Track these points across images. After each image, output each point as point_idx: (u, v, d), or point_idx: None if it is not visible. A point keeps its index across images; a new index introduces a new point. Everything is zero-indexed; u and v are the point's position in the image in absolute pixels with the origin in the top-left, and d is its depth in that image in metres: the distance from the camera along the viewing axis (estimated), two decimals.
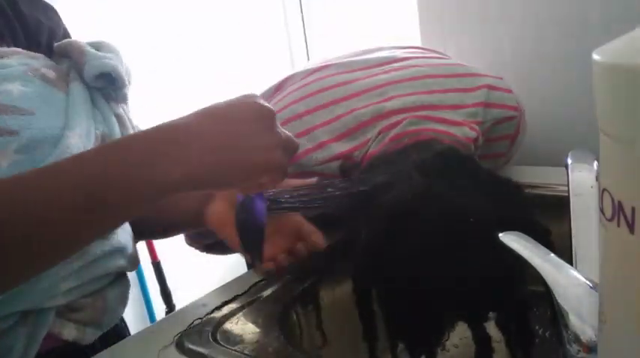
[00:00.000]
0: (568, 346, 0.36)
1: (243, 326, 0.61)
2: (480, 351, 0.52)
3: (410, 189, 0.56)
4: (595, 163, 0.49)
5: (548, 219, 0.51)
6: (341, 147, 0.72)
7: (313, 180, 0.67)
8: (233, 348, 0.56)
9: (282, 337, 0.58)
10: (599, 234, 0.26)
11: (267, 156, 0.49)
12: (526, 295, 0.51)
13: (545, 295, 0.38)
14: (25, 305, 0.54)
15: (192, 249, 0.91)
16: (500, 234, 0.42)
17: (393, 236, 0.53)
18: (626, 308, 0.25)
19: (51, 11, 0.69)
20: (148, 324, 0.68)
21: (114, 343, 0.61)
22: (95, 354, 0.59)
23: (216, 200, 0.67)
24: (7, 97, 0.52)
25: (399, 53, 0.84)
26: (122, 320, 0.71)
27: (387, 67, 0.80)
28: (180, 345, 0.57)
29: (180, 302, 1.63)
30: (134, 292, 1.63)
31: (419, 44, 1.15)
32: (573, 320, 0.36)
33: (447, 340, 0.54)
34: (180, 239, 0.90)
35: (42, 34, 0.65)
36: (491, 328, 0.52)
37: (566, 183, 0.48)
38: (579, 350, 0.36)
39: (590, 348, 0.35)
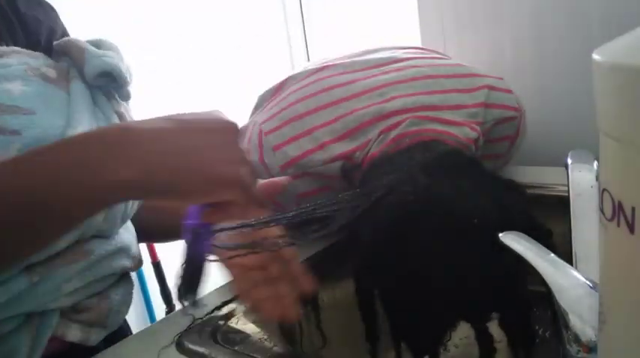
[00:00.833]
0: (568, 346, 0.36)
1: (243, 326, 0.61)
2: (483, 351, 0.52)
3: (413, 190, 0.56)
4: (595, 163, 0.49)
5: (548, 219, 0.51)
6: (342, 148, 0.72)
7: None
8: (233, 348, 0.56)
9: (282, 337, 0.58)
10: (599, 234, 0.26)
11: (231, 169, 0.45)
12: (528, 295, 0.51)
13: (545, 295, 0.38)
14: (28, 307, 0.54)
15: None
16: (500, 234, 0.42)
17: (396, 236, 0.53)
18: (626, 308, 0.25)
19: (49, 9, 0.68)
20: (148, 324, 0.68)
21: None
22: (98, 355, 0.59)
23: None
24: (8, 97, 0.51)
25: (400, 53, 0.84)
26: (124, 320, 0.71)
27: (387, 68, 0.80)
28: (180, 345, 0.57)
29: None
30: (134, 292, 1.63)
31: (419, 44, 1.15)
32: (573, 320, 0.36)
33: (448, 340, 0.54)
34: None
35: (41, 33, 0.65)
36: (492, 328, 0.52)
37: (566, 183, 0.48)
38: (579, 350, 0.36)
39: (590, 348, 0.35)
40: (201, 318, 0.61)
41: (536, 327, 0.60)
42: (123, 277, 0.66)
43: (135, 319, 1.61)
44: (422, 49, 0.92)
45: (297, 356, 0.56)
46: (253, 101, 0.90)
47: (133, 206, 0.63)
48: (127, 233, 0.65)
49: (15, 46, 0.59)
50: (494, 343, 0.52)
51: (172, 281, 1.67)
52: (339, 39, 1.77)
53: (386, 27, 1.69)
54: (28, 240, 0.44)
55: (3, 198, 0.41)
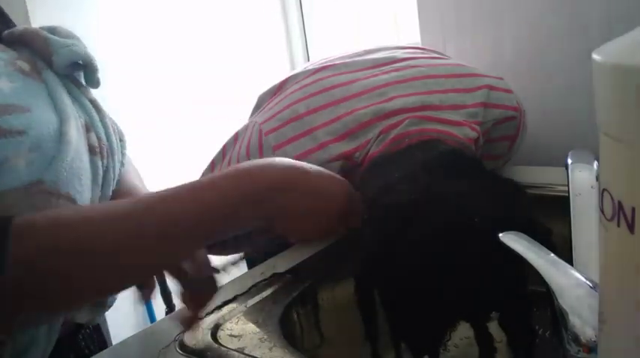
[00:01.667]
0: (568, 346, 0.36)
1: (243, 326, 0.61)
2: (483, 351, 0.52)
3: (413, 190, 0.56)
4: (595, 163, 0.49)
5: (548, 219, 0.51)
6: (342, 148, 0.72)
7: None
8: (233, 348, 0.56)
9: (282, 337, 0.58)
10: (599, 234, 0.26)
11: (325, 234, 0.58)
12: (528, 295, 0.51)
13: (545, 295, 0.38)
14: None
15: None
16: (500, 234, 0.42)
17: (396, 236, 0.53)
18: (626, 308, 0.25)
19: None
20: (148, 324, 0.68)
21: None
22: (91, 337, 0.59)
23: None
24: (1, 95, 0.51)
25: (400, 53, 0.84)
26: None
27: (387, 68, 0.80)
28: (180, 345, 0.57)
29: (180, 302, 1.63)
30: (134, 292, 1.63)
31: (419, 44, 1.15)
32: (573, 320, 0.36)
33: (448, 340, 0.54)
34: None
35: None
36: (492, 328, 0.52)
37: (566, 183, 0.48)
38: (579, 350, 0.36)
39: (590, 348, 0.35)
40: (201, 318, 0.61)
41: (536, 327, 0.60)
42: None
43: (135, 319, 1.61)
44: (422, 49, 0.92)
45: (297, 355, 0.56)
46: (253, 101, 0.90)
47: (113, 187, 0.63)
48: None
49: None
50: (494, 343, 0.52)
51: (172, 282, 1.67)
52: (339, 39, 1.77)
53: (386, 27, 1.69)
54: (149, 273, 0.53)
55: (130, 244, 0.46)
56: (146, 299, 0.64)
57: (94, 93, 0.63)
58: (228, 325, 0.61)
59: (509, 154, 0.85)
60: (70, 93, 0.59)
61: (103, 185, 0.58)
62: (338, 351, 0.69)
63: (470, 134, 0.72)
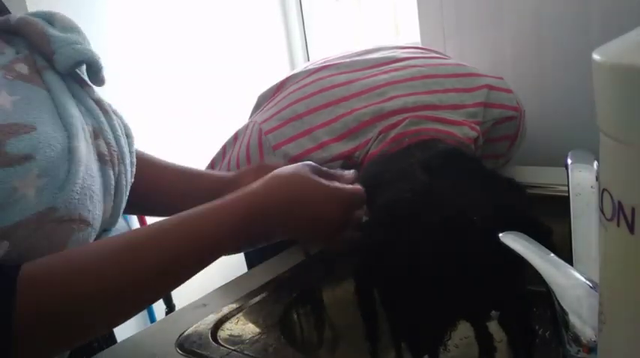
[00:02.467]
0: (568, 346, 0.36)
1: (243, 326, 0.61)
2: (483, 351, 0.52)
3: (411, 188, 0.56)
4: (595, 163, 0.49)
5: (548, 219, 0.51)
6: (342, 148, 0.72)
7: None
8: (233, 348, 0.56)
9: (282, 337, 0.58)
10: (599, 234, 0.26)
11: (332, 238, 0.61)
12: (528, 295, 0.51)
13: (545, 295, 0.38)
14: None
15: None
16: (500, 234, 0.42)
17: (396, 236, 0.53)
18: (626, 308, 0.25)
19: None
20: (148, 324, 0.68)
21: None
22: (104, 337, 0.60)
23: None
24: (2, 114, 0.47)
25: (399, 53, 0.84)
26: None
27: (387, 67, 0.80)
28: (180, 345, 0.57)
29: (180, 302, 1.63)
30: None
31: (419, 44, 1.15)
32: (573, 320, 0.36)
33: (448, 340, 0.54)
34: None
35: None
36: (492, 327, 0.52)
37: (566, 183, 0.48)
38: (579, 350, 0.36)
39: (590, 348, 0.35)
40: (201, 318, 0.61)
41: (536, 327, 0.60)
42: None
43: (135, 319, 1.61)
44: (422, 48, 0.92)
45: (297, 355, 0.56)
46: (253, 101, 0.90)
47: (127, 195, 0.62)
48: (121, 219, 0.64)
49: None
50: (494, 343, 0.52)
51: None
52: (339, 39, 1.77)
53: (385, 27, 1.69)
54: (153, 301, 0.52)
55: (140, 276, 0.47)
56: None
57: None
58: (228, 325, 0.61)
59: (509, 154, 0.85)
60: (74, 95, 0.56)
61: (115, 194, 0.57)
62: (338, 351, 0.69)
63: (469, 134, 0.72)
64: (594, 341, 0.35)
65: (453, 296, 0.51)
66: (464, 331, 0.55)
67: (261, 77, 1.42)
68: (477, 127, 0.74)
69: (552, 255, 0.39)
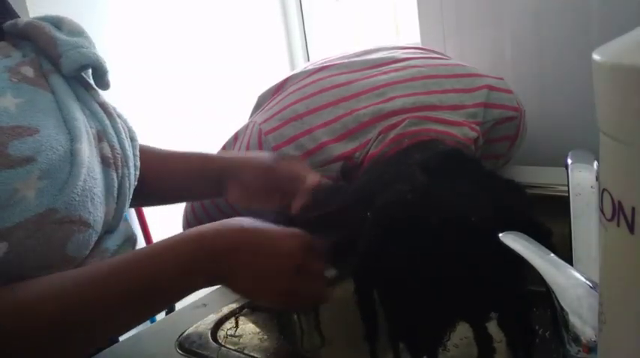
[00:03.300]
0: (568, 346, 0.36)
1: (243, 326, 0.61)
2: (482, 351, 0.52)
3: (410, 189, 0.56)
4: (595, 163, 0.49)
5: (548, 219, 0.51)
6: (341, 148, 0.72)
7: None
8: (233, 348, 0.56)
9: (282, 337, 0.58)
10: (599, 234, 0.26)
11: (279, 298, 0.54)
12: (527, 294, 0.51)
13: (545, 295, 0.38)
14: None
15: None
16: (500, 234, 0.42)
17: (394, 236, 0.53)
18: (626, 308, 0.25)
19: None
20: (148, 324, 0.68)
21: None
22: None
23: (230, 189, 0.69)
24: (7, 115, 0.48)
25: (399, 54, 0.84)
26: None
27: (387, 68, 0.80)
28: (180, 345, 0.57)
29: (180, 302, 1.63)
30: None
31: (419, 44, 1.15)
32: (573, 320, 0.36)
33: (447, 340, 0.54)
34: None
35: None
36: (492, 328, 0.52)
37: (566, 183, 0.48)
38: (579, 350, 0.36)
39: (590, 348, 0.35)
40: (201, 318, 0.61)
41: (536, 327, 0.60)
42: None
43: None
44: (422, 49, 0.92)
45: (297, 355, 0.56)
46: (253, 101, 0.90)
47: (130, 197, 0.62)
48: (124, 221, 0.64)
49: None
50: (494, 343, 0.52)
51: None
52: (339, 39, 1.77)
53: (385, 27, 1.69)
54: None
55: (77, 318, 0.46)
56: None
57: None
58: (228, 325, 0.61)
59: (509, 154, 0.85)
60: (79, 98, 0.56)
61: (119, 196, 0.57)
62: (338, 351, 0.69)
63: (469, 134, 0.72)
64: (594, 341, 0.35)
65: (452, 296, 0.51)
66: (463, 331, 0.55)
67: (261, 77, 1.42)
68: (477, 128, 0.74)
69: (552, 255, 0.39)
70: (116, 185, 0.56)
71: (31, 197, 0.46)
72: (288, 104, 0.77)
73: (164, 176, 0.70)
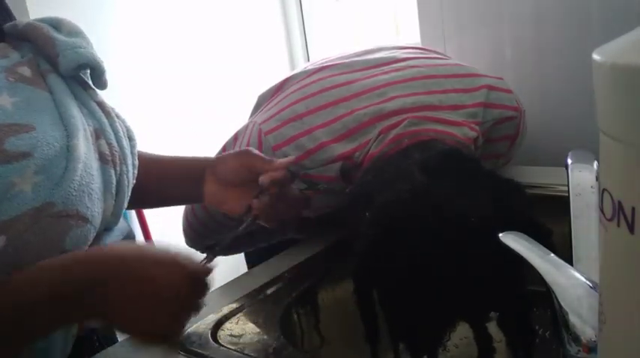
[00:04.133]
0: (568, 346, 0.36)
1: (243, 326, 0.61)
2: (482, 351, 0.52)
3: (410, 189, 0.56)
4: (595, 163, 0.49)
5: (548, 219, 0.51)
6: (341, 148, 0.72)
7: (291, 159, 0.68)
8: (233, 348, 0.56)
9: (282, 337, 0.58)
10: (599, 234, 0.26)
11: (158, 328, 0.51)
12: (527, 294, 0.51)
13: (545, 295, 0.38)
14: None
15: (193, 250, 0.91)
16: (500, 234, 0.42)
17: (394, 236, 0.53)
18: (626, 308, 0.25)
19: None
20: None
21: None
22: (106, 337, 0.60)
23: (207, 179, 0.69)
24: (3, 113, 0.49)
25: (399, 53, 0.84)
26: None
27: (387, 68, 0.80)
28: (180, 345, 0.57)
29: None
30: None
31: (419, 44, 1.15)
32: (573, 320, 0.36)
33: (447, 340, 0.54)
34: (180, 240, 0.90)
35: None
36: (491, 328, 0.52)
37: (566, 183, 0.48)
38: (579, 350, 0.36)
39: (590, 348, 0.35)
40: (201, 318, 0.61)
41: (536, 327, 0.60)
42: None
43: None
44: (422, 49, 0.92)
45: (297, 355, 0.56)
46: (253, 101, 0.90)
47: (129, 195, 0.62)
48: (122, 218, 0.64)
49: None
50: (494, 343, 0.52)
51: None
52: (339, 39, 1.77)
53: (385, 27, 1.69)
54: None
55: None
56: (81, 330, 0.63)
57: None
58: (228, 325, 0.61)
59: (509, 154, 0.85)
60: (77, 97, 0.57)
61: (117, 193, 0.57)
62: (338, 351, 0.69)
63: (469, 134, 0.72)
64: (594, 341, 0.35)
65: (451, 296, 0.51)
66: (464, 331, 0.55)
67: (261, 77, 1.42)
68: (477, 128, 0.74)
69: (552, 255, 0.39)
70: (114, 182, 0.56)
71: (27, 191, 0.47)
72: (288, 104, 0.77)
73: (153, 179, 0.70)
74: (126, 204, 0.61)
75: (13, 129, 0.48)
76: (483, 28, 1.07)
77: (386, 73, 0.79)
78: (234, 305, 0.64)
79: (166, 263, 0.50)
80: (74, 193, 0.50)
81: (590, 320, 0.35)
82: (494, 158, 0.83)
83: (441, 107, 0.74)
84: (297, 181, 0.68)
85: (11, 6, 0.64)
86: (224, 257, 0.97)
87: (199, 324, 0.61)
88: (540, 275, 0.38)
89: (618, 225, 0.24)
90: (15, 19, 0.62)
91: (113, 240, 0.60)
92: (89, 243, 0.54)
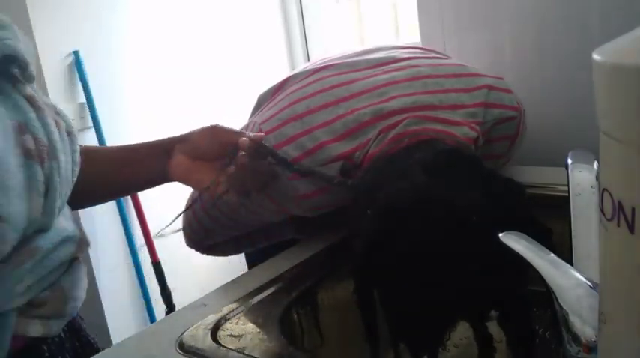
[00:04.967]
0: (568, 346, 0.36)
1: (243, 326, 0.61)
2: (482, 350, 0.52)
3: (410, 188, 0.56)
4: (595, 163, 0.49)
5: (548, 219, 0.51)
6: (341, 148, 0.72)
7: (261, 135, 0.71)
8: (233, 348, 0.56)
9: (282, 337, 0.58)
10: (599, 234, 0.26)
11: None
12: (527, 294, 0.51)
13: (545, 295, 0.38)
14: None
15: (192, 250, 0.91)
16: (500, 234, 0.42)
17: (395, 236, 0.53)
18: (626, 308, 0.25)
19: None
20: (148, 324, 0.68)
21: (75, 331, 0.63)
22: (61, 346, 0.59)
23: (176, 154, 0.72)
24: None
25: (399, 53, 0.84)
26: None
27: (387, 68, 0.80)
28: (180, 345, 0.57)
29: (180, 302, 1.63)
30: (134, 292, 1.63)
31: (419, 44, 1.15)
32: (573, 320, 0.36)
33: (448, 340, 0.54)
34: (180, 239, 0.90)
35: None
36: (492, 328, 0.52)
37: (566, 183, 0.48)
38: (579, 350, 0.36)
39: (590, 348, 0.35)
40: (201, 318, 0.61)
41: (536, 327, 0.60)
42: (72, 263, 0.63)
43: (135, 319, 1.61)
44: (422, 48, 0.92)
45: (297, 355, 0.56)
46: (253, 101, 0.90)
47: (67, 194, 0.60)
48: (66, 220, 0.62)
49: None
50: (494, 343, 0.52)
51: (172, 282, 1.67)
52: (339, 39, 1.77)
53: (386, 27, 1.69)
54: None
55: None
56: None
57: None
58: (228, 325, 0.61)
59: (509, 154, 0.85)
60: (1, 91, 0.54)
61: (47, 192, 0.55)
62: (338, 351, 0.69)
63: (469, 134, 0.72)
64: (594, 341, 0.35)
65: (452, 296, 0.51)
66: (464, 331, 0.55)
67: (261, 77, 1.42)
68: (477, 127, 0.74)
69: (552, 255, 0.39)
70: (41, 179, 0.54)
71: None
72: (288, 104, 0.77)
73: (117, 168, 0.73)
74: (59, 204, 0.58)
75: None
76: (483, 28, 1.07)
77: (386, 72, 0.79)
78: (234, 305, 0.64)
79: None
80: None
81: (590, 320, 0.35)
82: (494, 158, 0.83)
83: (441, 107, 0.74)
84: (269, 159, 0.70)
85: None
86: (224, 257, 0.97)
87: (199, 324, 0.61)
88: (540, 275, 0.38)
89: (618, 225, 0.24)
90: None
91: (49, 241, 0.57)
92: (10, 243, 0.52)
